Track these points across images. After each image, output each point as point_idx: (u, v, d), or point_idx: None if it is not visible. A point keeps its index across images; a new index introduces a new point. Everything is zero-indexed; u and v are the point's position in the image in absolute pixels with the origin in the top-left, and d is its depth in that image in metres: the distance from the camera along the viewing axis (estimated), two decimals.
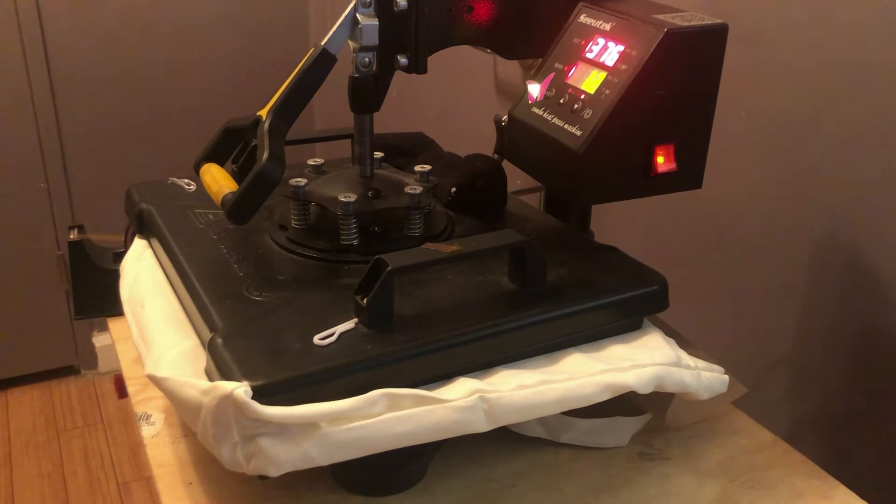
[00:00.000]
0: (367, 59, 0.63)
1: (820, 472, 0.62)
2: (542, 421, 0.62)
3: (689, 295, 0.92)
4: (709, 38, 0.61)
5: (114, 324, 0.78)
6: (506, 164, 0.73)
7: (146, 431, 0.64)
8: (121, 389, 0.70)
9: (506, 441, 0.62)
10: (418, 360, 0.53)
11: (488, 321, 0.56)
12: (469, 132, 1.37)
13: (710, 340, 0.91)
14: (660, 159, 0.63)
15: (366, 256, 0.60)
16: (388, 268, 0.54)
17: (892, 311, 0.72)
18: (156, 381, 0.55)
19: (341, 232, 0.63)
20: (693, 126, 0.63)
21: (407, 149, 0.79)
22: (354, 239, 0.63)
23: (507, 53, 0.71)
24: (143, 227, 0.72)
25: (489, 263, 0.62)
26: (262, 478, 0.52)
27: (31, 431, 1.95)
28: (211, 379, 0.51)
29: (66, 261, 1.72)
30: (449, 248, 0.57)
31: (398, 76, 0.65)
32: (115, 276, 0.71)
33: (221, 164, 0.68)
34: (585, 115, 0.61)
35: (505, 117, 0.71)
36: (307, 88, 0.62)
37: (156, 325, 0.60)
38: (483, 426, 0.54)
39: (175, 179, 0.76)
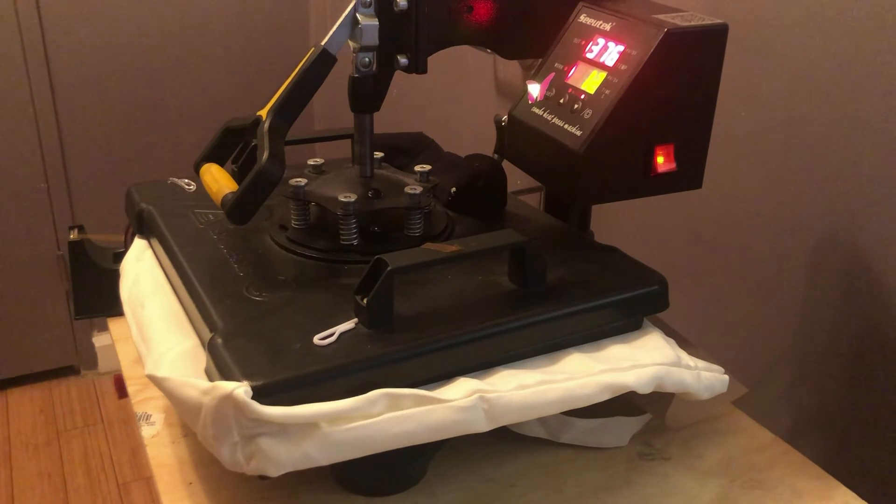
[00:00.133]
0: (367, 59, 0.63)
1: (820, 472, 0.62)
2: (542, 421, 0.62)
3: (689, 295, 0.92)
4: (709, 38, 0.61)
5: (114, 324, 0.78)
6: (506, 164, 0.73)
7: (146, 431, 0.64)
8: (121, 389, 0.70)
9: (506, 441, 0.62)
10: (418, 360, 0.53)
11: (488, 321, 0.56)
12: (469, 132, 1.37)
13: (710, 340, 0.92)
14: (660, 159, 0.63)
15: (366, 256, 0.60)
16: (388, 268, 0.54)
17: (892, 312, 0.72)
18: (156, 381, 0.55)
19: (341, 232, 0.63)
20: (693, 126, 0.63)
21: (407, 149, 0.79)
22: (354, 239, 0.64)
23: (507, 53, 0.71)
24: (143, 227, 0.72)
25: (489, 263, 0.62)
26: (262, 478, 0.52)
27: (31, 431, 1.95)
28: (211, 379, 0.51)
29: (66, 261, 1.72)
30: (449, 248, 0.57)
31: (398, 76, 0.65)
32: (115, 276, 0.71)
33: (221, 164, 0.68)
34: (585, 115, 0.61)
35: (505, 117, 0.71)
36: (307, 88, 0.62)
37: (156, 325, 0.60)
38: (483, 426, 0.54)
39: (175, 179, 0.76)
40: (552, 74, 0.66)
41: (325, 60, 0.62)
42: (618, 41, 0.62)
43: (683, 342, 0.63)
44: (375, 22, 0.61)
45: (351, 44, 0.63)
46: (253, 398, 0.48)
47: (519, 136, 0.67)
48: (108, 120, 1.94)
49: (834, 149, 0.75)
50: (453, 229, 0.69)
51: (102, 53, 1.88)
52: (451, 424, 0.52)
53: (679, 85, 0.61)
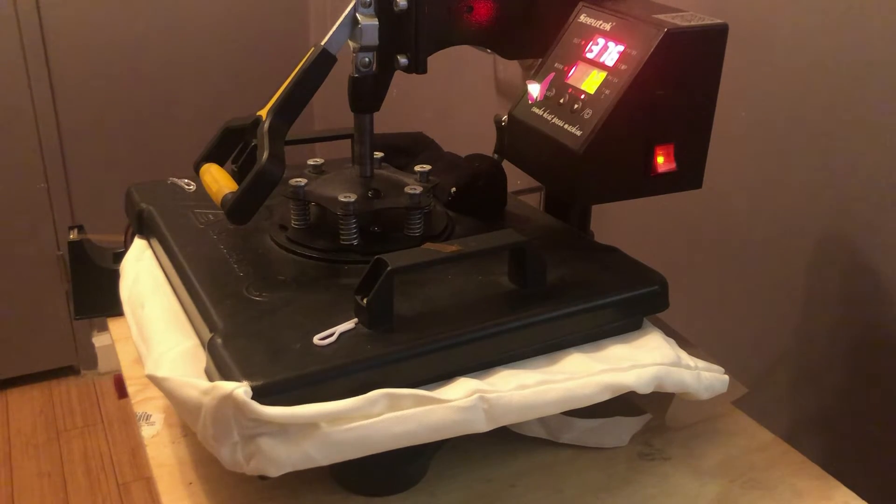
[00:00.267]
0: (367, 59, 0.63)
1: (820, 472, 0.62)
2: (543, 421, 0.62)
3: (689, 295, 0.92)
4: (709, 38, 0.61)
5: (114, 324, 0.77)
6: (506, 164, 0.73)
7: (146, 431, 0.64)
8: (121, 389, 0.70)
9: (506, 441, 0.62)
10: (418, 360, 0.53)
11: (488, 321, 0.56)
12: (469, 132, 1.37)
13: (710, 340, 0.92)
14: (660, 159, 0.63)
15: (366, 256, 0.60)
16: (388, 268, 0.54)
17: (892, 312, 0.72)
18: (156, 381, 0.55)
19: (341, 232, 0.63)
20: (693, 126, 0.63)
21: (407, 149, 0.79)
22: (354, 239, 0.63)
23: (507, 53, 0.71)
24: (143, 227, 0.72)
25: (489, 263, 0.62)
26: (262, 478, 0.52)
27: (30, 431, 1.95)
28: (211, 379, 0.51)
29: (66, 261, 1.72)
30: (449, 248, 0.57)
31: (398, 76, 0.65)
32: (114, 276, 0.71)
33: (221, 164, 0.68)
34: (585, 115, 0.61)
35: (505, 117, 0.71)
36: (307, 88, 0.62)
37: (156, 325, 0.60)
38: (483, 426, 0.54)
39: (175, 179, 0.76)
40: (552, 74, 0.66)
41: (325, 60, 0.62)
42: (618, 41, 0.62)
43: (683, 342, 0.63)
44: (375, 22, 0.61)
45: (351, 44, 0.63)
46: (253, 398, 0.48)
47: (519, 136, 0.67)
48: (108, 120, 1.94)
49: (834, 149, 0.75)
50: (453, 229, 0.69)
51: (102, 53, 1.88)
52: (451, 424, 0.52)
53: (679, 85, 0.61)
